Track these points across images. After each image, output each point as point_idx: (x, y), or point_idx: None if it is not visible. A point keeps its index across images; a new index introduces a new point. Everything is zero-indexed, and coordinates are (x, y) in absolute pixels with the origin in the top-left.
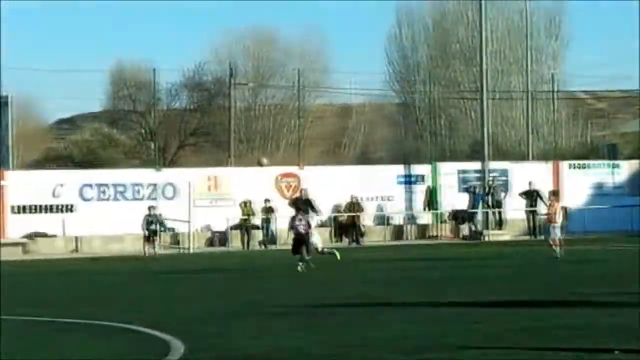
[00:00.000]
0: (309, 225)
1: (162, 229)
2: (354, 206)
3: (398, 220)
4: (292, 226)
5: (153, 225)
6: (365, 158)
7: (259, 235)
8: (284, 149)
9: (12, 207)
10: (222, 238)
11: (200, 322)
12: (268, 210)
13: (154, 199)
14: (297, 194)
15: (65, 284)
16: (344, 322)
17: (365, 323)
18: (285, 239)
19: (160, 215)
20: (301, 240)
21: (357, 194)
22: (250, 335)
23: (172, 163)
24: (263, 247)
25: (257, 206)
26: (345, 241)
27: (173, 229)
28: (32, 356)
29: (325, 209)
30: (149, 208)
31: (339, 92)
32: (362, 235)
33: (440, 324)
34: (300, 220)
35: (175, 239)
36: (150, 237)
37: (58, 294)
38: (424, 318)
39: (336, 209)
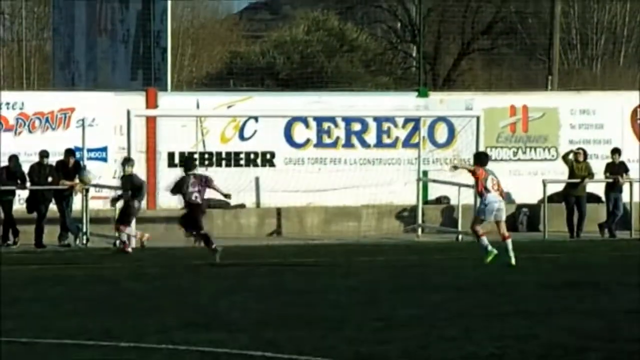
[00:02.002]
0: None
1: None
2: None
3: None
4: (182, 192)
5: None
6: None
7: (597, 212)
8: None
9: (170, 156)
10: (530, 216)
11: None
12: (616, 169)
13: (415, 144)
14: None
15: (259, 290)
16: None
17: None
18: None
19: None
20: (192, 216)
21: None
22: None
23: (449, 82)
24: (607, 233)
25: (597, 162)
26: None
27: (447, 200)
28: None
29: None
30: (125, 161)
31: None
32: None
33: None
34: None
35: (450, 215)
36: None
37: (245, 307)
38: None
39: None
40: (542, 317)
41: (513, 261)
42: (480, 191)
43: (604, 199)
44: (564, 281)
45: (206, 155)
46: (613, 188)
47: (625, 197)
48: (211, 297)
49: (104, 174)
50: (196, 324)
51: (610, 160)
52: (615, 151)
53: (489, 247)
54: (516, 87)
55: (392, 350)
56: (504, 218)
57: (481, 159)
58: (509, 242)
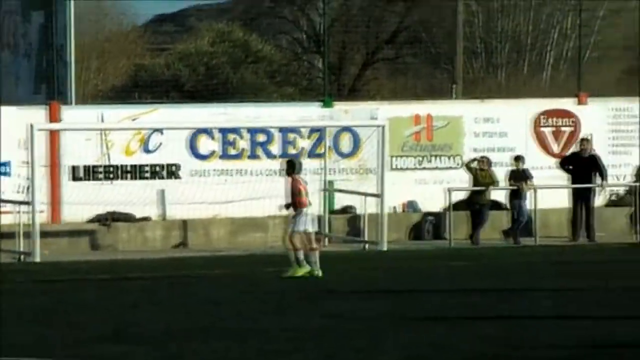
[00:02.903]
0: None
1: None
2: None
3: None
4: None
5: None
6: None
7: (501, 219)
8: (552, 68)
9: (73, 170)
10: (435, 224)
11: None
12: (520, 176)
13: (320, 154)
14: (574, 148)
15: (165, 302)
16: None
17: None
18: (554, 225)
19: None
20: None
21: None
22: None
23: (354, 92)
24: (511, 240)
25: (501, 170)
26: None
27: (352, 209)
28: None
29: (621, 174)
30: None
31: None
32: None
33: None
34: None
35: (354, 224)
36: None
37: (152, 319)
38: None
39: None
40: (451, 325)
41: (320, 273)
42: (305, 205)
43: (508, 206)
44: (471, 288)
45: (111, 169)
46: (517, 195)
47: (528, 204)
48: (118, 310)
49: (7, 189)
50: (103, 338)
51: (513, 167)
52: (518, 159)
53: (304, 262)
54: (422, 96)
55: None
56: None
57: (295, 166)
58: (317, 254)
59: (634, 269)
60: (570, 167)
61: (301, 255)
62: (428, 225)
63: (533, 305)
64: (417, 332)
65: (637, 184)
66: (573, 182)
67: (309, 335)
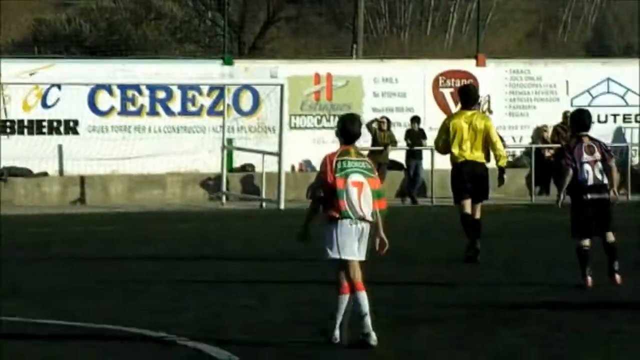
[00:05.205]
0: None
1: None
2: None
3: None
4: None
5: None
6: (600, 47)
7: (399, 179)
8: (455, 30)
9: None
10: None
11: None
12: (416, 137)
13: (219, 112)
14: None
15: (58, 259)
16: None
17: None
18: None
19: None
20: None
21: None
22: None
23: (255, 50)
24: (409, 200)
25: (400, 130)
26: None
27: (251, 168)
28: None
29: (518, 135)
30: None
31: None
32: None
33: None
34: None
35: (252, 186)
36: None
37: (44, 276)
38: None
39: (539, 135)
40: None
41: None
42: None
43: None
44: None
45: (8, 123)
46: (414, 155)
47: (426, 164)
48: (10, 266)
49: None
50: None
51: (409, 127)
52: (415, 119)
53: None
54: (324, 55)
55: (187, 319)
56: None
57: None
58: None
59: (528, 230)
60: None
61: None
62: None
63: (418, 268)
64: (302, 291)
65: (535, 146)
66: None
67: (197, 293)
